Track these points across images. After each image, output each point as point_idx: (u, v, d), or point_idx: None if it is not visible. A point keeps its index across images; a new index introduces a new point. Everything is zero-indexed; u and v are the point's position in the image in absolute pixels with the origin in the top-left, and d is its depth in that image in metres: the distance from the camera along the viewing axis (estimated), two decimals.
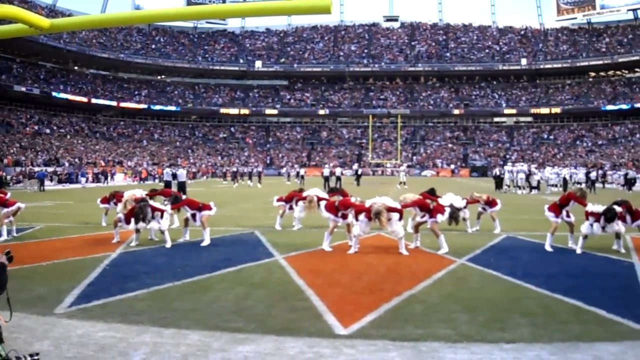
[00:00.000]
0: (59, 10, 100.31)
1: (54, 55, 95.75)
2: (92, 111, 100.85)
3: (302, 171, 63.03)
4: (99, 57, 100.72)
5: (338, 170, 53.56)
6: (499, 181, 45.90)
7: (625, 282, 10.46)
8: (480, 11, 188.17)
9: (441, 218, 14.22)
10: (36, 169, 59.00)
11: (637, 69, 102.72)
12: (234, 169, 65.84)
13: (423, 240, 14.61)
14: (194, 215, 15.12)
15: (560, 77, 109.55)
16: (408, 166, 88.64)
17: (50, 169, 62.55)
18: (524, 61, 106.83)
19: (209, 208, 15.32)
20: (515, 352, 6.46)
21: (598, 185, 51.93)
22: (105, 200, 18.74)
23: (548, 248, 13.96)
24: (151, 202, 15.07)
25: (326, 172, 51.60)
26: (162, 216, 14.66)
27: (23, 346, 6.47)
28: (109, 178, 66.49)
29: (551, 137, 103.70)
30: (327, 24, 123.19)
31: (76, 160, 76.67)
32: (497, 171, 48.52)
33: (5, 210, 16.41)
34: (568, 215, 14.39)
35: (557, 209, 14.42)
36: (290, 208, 18.41)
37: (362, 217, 13.44)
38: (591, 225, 13.57)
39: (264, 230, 17.60)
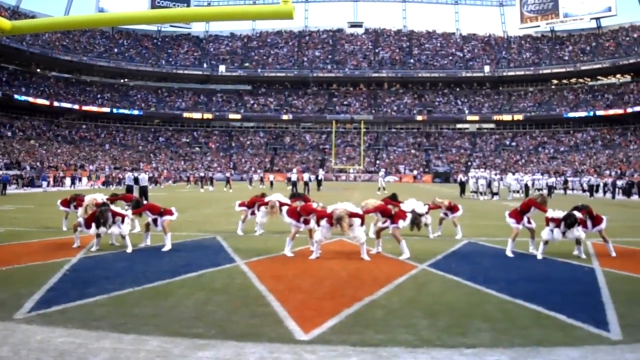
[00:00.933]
0: (22, 11, 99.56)
1: (16, 57, 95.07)
2: (54, 114, 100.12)
3: (271, 177, 63.17)
4: (61, 60, 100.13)
5: (306, 176, 53.53)
6: (463, 187, 46.18)
7: (585, 287, 10.55)
8: (444, 18, 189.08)
9: (403, 224, 14.25)
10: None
11: (599, 77, 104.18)
12: (201, 174, 65.90)
13: (385, 245, 14.65)
14: (155, 220, 15.02)
15: (523, 85, 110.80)
16: (369, 171, 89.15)
17: (11, 173, 61.93)
18: (487, 68, 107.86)
19: (171, 213, 15.22)
20: (475, 357, 6.49)
21: (560, 192, 52.60)
22: (65, 203, 18.59)
23: (509, 254, 14.04)
24: (112, 207, 14.97)
25: (293, 177, 51.63)
26: (122, 221, 14.56)
27: None
28: (77, 182, 65.87)
29: (513, 143, 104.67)
30: (292, 29, 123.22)
31: (38, 163, 76.01)
32: (461, 177, 48.80)
33: None
34: (529, 222, 14.51)
35: (517, 215, 14.54)
36: (252, 213, 18.34)
37: (323, 222, 13.43)
38: (551, 231, 13.68)
39: (225, 236, 17.52)
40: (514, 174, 58.53)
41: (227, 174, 63.89)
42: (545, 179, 55.01)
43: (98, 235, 14.42)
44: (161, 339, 7.05)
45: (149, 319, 8.00)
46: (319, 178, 56.99)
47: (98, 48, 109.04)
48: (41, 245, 15.35)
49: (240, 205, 18.69)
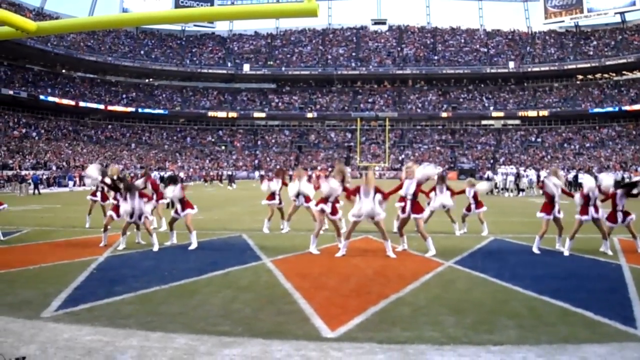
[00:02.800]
0: (47, 13, 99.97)
1: (41, 58, 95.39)
2: (79, 114, 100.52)
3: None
4: (86, 61, 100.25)
5: None
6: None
7: (612, 284, 10.47)
8: (468, 14, 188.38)
9: (425, 214, 14.34)
10: (23, 172, 58.74)
11: (624, 72, 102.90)
12: (230, 172, 66.33)
13: (411, 243, 14.61)
14: (177, 211, 15.14)
15: (548, 80, 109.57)
16: (394, 169, 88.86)
17: (39, 172, 62.36)
18: (511, 64, 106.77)
19: (191, 207, 15.30)
20: (502, 354, 6.46)
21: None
22: (94, 193, 18.91)
23: (535, 250, 13.98)
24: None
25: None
26: (148, 201, 14.76)
27: (9, 350, 6.44)
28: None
29: (539, 140, 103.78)
30: (315, 27, 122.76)
31: (64, 163, 76.44)
32: (489, 174, 48.53)
33: None
34: (559, 212, 14.40)
35: (548, 207, 14.41)
36: (280, 202, 18.45)
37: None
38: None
39: (251, 234, 17.56)
40: (537, 170, 58.19)
41: (262, 172, 64.12)
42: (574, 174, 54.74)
43: (124, 233, 14.55)
44: (188, 337, 7.09)
45: (175, 316, 8.04)
46: None
47: (123, 48, 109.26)
48: (68, 244, 15.46)
49: (268, 199, 18.72)
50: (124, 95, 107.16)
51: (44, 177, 62.64)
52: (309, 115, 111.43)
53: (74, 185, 59.78)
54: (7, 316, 7.95)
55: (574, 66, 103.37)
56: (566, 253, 13.57)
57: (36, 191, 47.70)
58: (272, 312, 8.29)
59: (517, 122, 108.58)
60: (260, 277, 11.00)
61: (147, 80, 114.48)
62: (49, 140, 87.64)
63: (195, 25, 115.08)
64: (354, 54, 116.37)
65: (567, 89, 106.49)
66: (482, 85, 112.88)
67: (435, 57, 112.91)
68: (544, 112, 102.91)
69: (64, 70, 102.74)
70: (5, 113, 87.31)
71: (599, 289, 10.04)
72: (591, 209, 13.77)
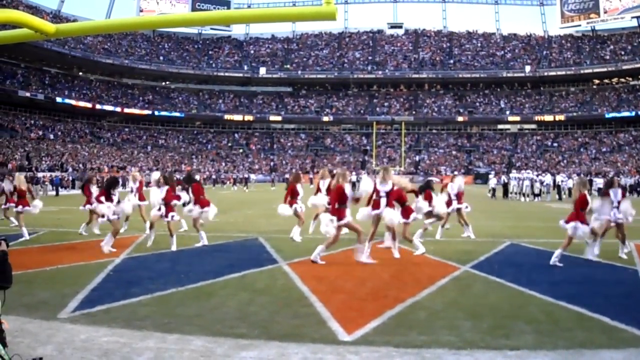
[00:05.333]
0: (64, 15, 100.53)
1: (58, 60, 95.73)
2: (96, 117, 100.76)
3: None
4: (103, 63, 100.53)
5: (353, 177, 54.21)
6: (506, 189, 46.01)
7: (629, 288, 10.48)
8: (484, 19, 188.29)
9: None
10: (40, 174, 59.00)
11: None
12: (246, 175, 66.57)
13: (427, 247, 14.60)
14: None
15: (564, 85, 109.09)
16: (410, 173, 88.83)
17: (52, 174, 62.65)
18: (527, 68, 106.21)
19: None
20: (519, 359, 6.46)
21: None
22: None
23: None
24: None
25: (352, 178, 52.00)
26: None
27: (26, 351, 6.46)
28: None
29: (555, 144, 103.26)
30: (331, 31, 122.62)
31: (80, 165, 76.72)
32: (504, 179, 48.59)
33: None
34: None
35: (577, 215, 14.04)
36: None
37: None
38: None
39: (267, 236, 17.56)
40: (553, 175, 58.09)
41: (287, 175, 64.43)
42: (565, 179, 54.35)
43: (151, 227, 14.75)
44: (205, 339, 7.12)
45: (192, 319, 8.08)
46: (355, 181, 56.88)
47: (139, 51, 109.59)
48: (85, 246, 15.52)
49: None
50: (141, 98, 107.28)
51: (77, 178, 63.12)
52: (325, 118, 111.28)
53: None
54: (24, 317, 8.00)
55: (590, 70, 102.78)
56: (596, 251, 13.55)
57: (57, 192, 48.36)
58: (288, 315, 8.32)
59: (534, 126, 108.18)
60: (277, 280, 11.04)
61: (163, 83, 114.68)
62: (66, 143, 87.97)
63: (211, 29, 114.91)
64: (370, 57, 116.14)
65: (583, 94, 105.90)
66: (498, 90, 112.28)
67: (452, 61, 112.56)
68: (561, 117, 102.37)
69: (80, 73, 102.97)
70: (22, 115, 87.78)
71: (615, 294, 10.03)
72: (614, 211, 13.74)
